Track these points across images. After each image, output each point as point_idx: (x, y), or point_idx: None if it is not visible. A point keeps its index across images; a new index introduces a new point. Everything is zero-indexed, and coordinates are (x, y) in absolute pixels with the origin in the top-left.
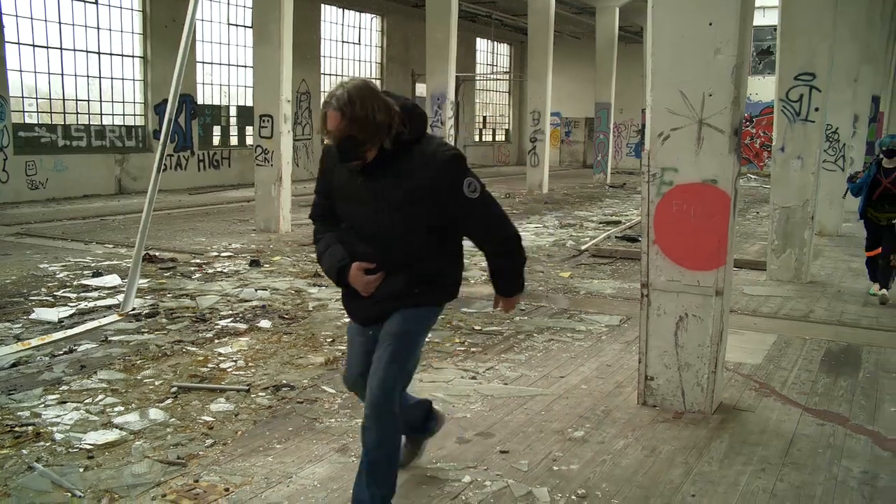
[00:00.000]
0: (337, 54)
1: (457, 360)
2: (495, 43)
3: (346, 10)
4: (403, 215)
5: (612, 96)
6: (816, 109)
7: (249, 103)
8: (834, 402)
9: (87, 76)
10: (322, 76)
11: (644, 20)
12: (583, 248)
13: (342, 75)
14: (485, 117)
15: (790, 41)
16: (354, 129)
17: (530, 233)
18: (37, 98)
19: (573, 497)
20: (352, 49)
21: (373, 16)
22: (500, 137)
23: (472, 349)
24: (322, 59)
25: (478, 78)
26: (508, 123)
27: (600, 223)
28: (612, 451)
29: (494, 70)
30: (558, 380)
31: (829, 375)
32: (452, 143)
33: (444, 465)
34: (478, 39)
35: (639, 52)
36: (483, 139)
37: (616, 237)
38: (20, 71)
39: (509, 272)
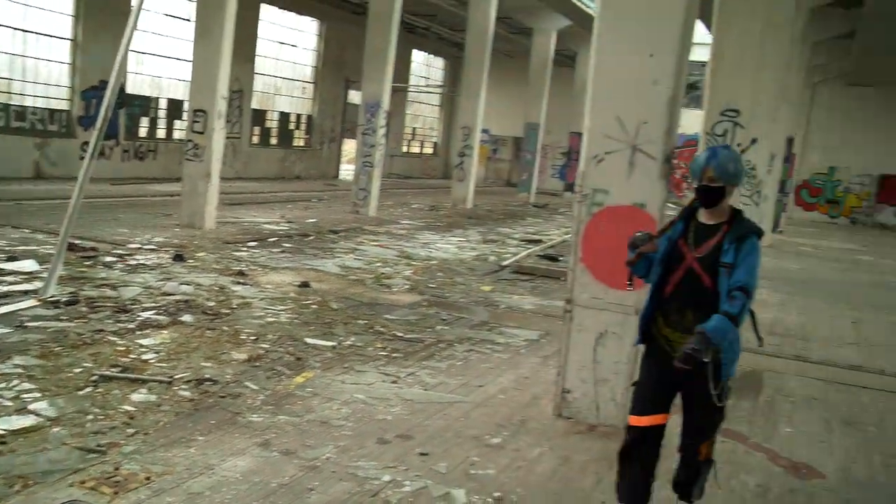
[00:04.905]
0: (272, 55)
1: (378, 364)
2: (431, 56)
3: (285, 11)
4: None
5: (542, 117)
6: (739, 145)
7: (180, 96)
8: (736, 421)
9: (11, 54)
10: (255, 75)
11: (579, 45)
12: (504, 263)
13: (276, 76)
14: (414, 129)
15: (718, 78)
16: None
17: (453, 245)
18: None
19: (489, 499)
20: (288, 51)
21: (312, 19)
22: (428, 150)
23: (394, 355)
24: (257, 58)
25: (411, 90)
26: (437, 137)
27: (522, 241)
28: (528, 458)
29: (428, 83)
30: (477, 389)
31: (732, 398)
32: (381, 154)
33: (365, 463)
34: (414, 51)
35: (570, 76)
36: (410, 151)
37: (537, 255)
38: None
39: None
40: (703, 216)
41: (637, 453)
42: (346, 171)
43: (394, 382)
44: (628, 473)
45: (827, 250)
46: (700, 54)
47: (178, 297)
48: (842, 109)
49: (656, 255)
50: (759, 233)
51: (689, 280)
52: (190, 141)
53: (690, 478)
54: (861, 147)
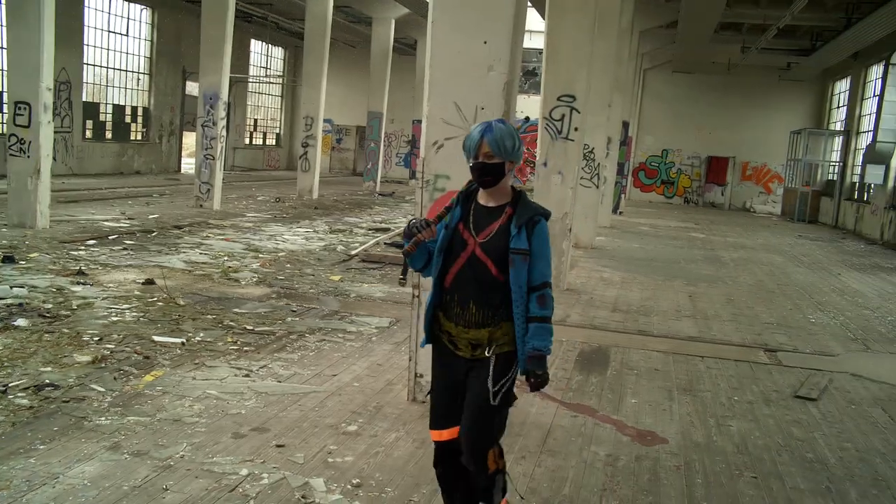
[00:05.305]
0: (102, 44)
1: (230, 358)
2: (270, 46)
3: None
4: None
5: (385, 106)
6: (576, 129)
7: None
8: (585, 396)
9: None
10: (85, 66)
11: (419, 33)
12: (353, 253)
13: (108, 67)
14: (256, 120)
15: (554, 64)
16: None
17: (300, 237)
18: None
19: (348, 486)
20: (119, 40)
21: (143, 7)
22: (271, 141)
23: (246, 348)
24: (85, 47)
25: (251, 80)
26: (280, 128)
27: (370, 229)
28: (385, 443)
29: (268, 73)
30: (331, 378)
31: (581, 373)
32: (222, 146)
33: (221, 459)
34: (252, 41)
35: (412, 64)
36: (253, 142)
37: (385, 243)
38: None
39: None
40: (483, 198)
41: (449, 468)
42: (188, 164)
43: (246, 376)
44: (448, 491)
45: (664, 229)
46: (538, 42)
47: (9, 301)
48: (670, 95)
49: (434, 245)
50: (546, 214)
51: (472, 268)
52: (13, 135)
53: (487, 490)
54: (689, 130)
